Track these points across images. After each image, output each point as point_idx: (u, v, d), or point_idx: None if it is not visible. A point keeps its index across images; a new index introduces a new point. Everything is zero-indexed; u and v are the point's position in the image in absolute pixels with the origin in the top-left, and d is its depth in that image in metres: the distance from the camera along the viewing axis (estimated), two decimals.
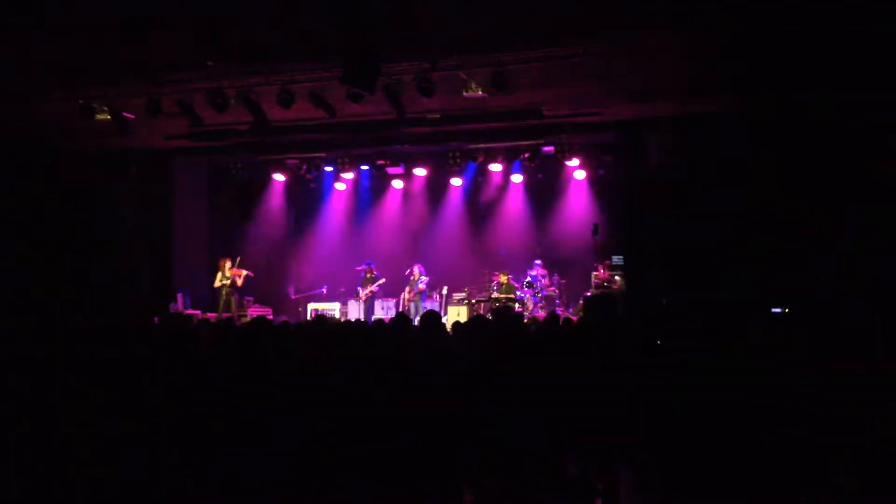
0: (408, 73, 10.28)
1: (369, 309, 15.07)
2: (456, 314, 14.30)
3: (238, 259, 15.36)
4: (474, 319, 7.70)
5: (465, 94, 10.44)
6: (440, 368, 5.76)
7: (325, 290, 15.89)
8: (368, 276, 15.22)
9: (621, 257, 13.76)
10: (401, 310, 14.84)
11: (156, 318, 12.55)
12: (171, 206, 15.60)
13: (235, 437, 5.04)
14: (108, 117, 11.74)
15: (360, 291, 15.22)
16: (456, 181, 15.99)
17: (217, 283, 15.15)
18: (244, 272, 15.15)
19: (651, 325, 8.93)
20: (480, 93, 10.40)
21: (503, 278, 14.48)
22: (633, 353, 6.55)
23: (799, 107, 10.98)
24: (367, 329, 7.31)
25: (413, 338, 6.51)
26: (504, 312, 9.26)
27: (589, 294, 12.85)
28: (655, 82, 10.97)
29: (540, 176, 15.53)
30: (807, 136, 10.74)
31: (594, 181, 15.07)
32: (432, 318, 6.42)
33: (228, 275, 15.06)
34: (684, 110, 11.85)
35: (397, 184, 16.55)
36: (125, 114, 11.83)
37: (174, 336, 6.55)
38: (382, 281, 15.24)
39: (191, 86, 11.04)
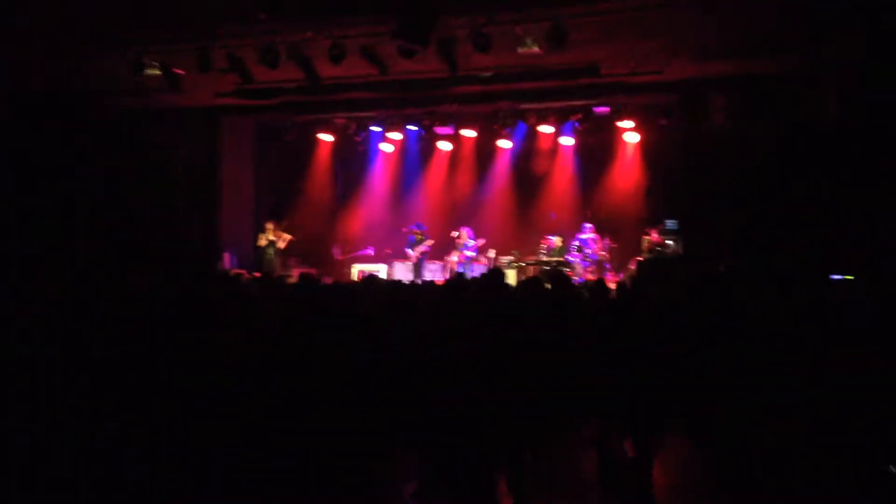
0: (462, 27, 9.98)
1: (419, 270, 14.92)
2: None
3: (283, 222, 15.29)
4: (530, 281, 7.49)
5: (519, 50, 10.12)
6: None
7: (372, 251, 15.76)
8: (418, 237, 15.06)
9: (675, 222, 13.42)
10: (448, 273, 14.68)
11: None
12: (219, 165, 15.50)
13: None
14: (159, 73, 11.64)
15: (410, 253, 15.06)
16: (505, 143, 15.71)
17: (261, 243, 15.09)
18: (287, 236, 15.07)
19: (708, 291, 8.72)
20: (536, 49, 10.07)
21: (558, 241, 14.25)
22: (686, 325, 6.35)
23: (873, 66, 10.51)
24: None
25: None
26: (556, 276, 9.06)
27: (642, 259, 12.57)
28: (719, 39, 10.57)
29: (591, 140, 15.19)
30: (880, 98, 10.29)
31: (647, 144, 14.67)
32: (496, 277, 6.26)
33: (272, 237, 15.01)
34: (748, 70, 11.43)
35: (445, 146, 16.30)
36: (175, 69, 11.72)
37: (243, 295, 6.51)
38: (432, 242, 15.07)
39: (242, 40, 10.85)
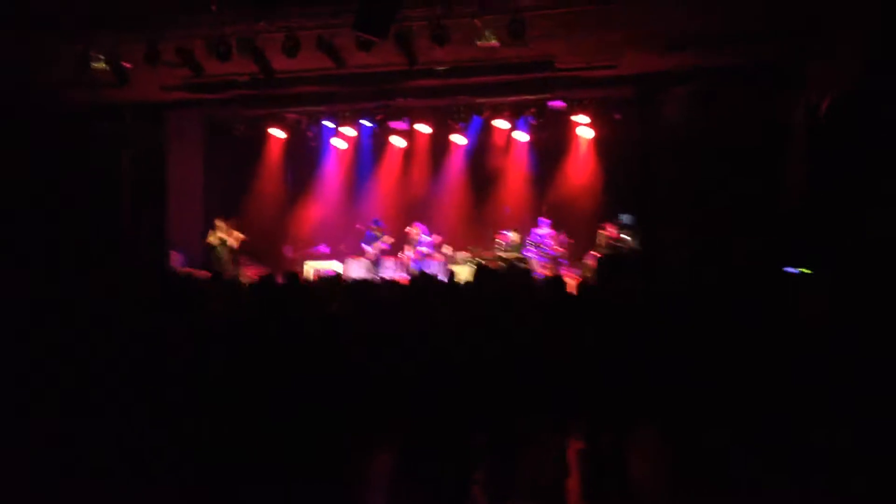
0: (421, 19, 9.85)
1: (377, 267, 14.73)
2: (460, 273, 13.97)
3: (233, 220, 14.97)
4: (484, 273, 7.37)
5: (478, 43, 10.02)
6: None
7: (327, 249, 15.53)
8: (377, 234, 14.86)
9: (630, 216, 13.47)
10: (403, 269, 14.53)
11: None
12: (166, 161, 15.14)
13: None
14: (106, 66, 11.26)
15: (368, 249, 14.85)
16: (460, 138, 15.61)
17: (212, 241, 14.73)
18: (239, 234, 14.75)
19: (666, 286, 8.73)
20: (494, 42, 9.98)
21: (514, 236, 14.21)
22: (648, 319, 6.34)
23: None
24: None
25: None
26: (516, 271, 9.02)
27: (601, 255, 12.56)
28: (676, 32, 10.60)
29: (544, 135, 15.16)
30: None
31: (602, 139, 14.69)
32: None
33: (223, 235, 14.67)
34: (704, 63, 11.48)
35: (398, 141, 16.14)
36: (123, 63, 11.35)
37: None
38: (391, 239, 14.88)
39: (193, 31, 10.55)
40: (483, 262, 13.96)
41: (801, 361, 6.08)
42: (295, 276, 6.92)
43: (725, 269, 10.34)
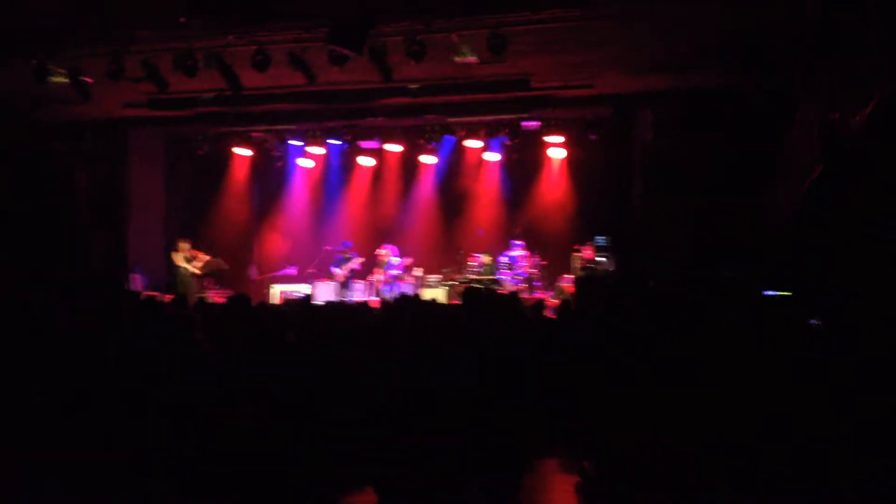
0: (396, 35, 9.56)
1: (347, 290, 14.32)
2: (432, 296, 13.65)
3: (196, 241, 14.50)
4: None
5: (455, 59, 9.75)
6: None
7: (294, 271, 15.09)
8: (346, 256, 14.44)
9: (605, 238, 13.28)
10: (373, 292, 14.17)
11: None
12: (127, 180, 14.66)
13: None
14: (65, 80, 10.79)
15: (337, 272, 14.43)
16: (431, 159, 15.32)
17: (178, 263, 14.21)
18: (204, 256, 14.25)
19: (644, 308, 8.49)
20: (472, 58, 9.73)
21: (486, 258, 13.91)
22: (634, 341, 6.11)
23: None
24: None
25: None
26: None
27: (579, 276, 12.34)
28: (653, 54, 10.47)
29: (516, 156, 14.95)
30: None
31: (576, 160, 14.51)
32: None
33: (188, 255, 14.16)
34: (681, 85, 11.36)
35: (367, 161, 15.81)
36: (84, 77, 10.90)
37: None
38: (362, 260, 14.47)
39: (159, 45, 10.15)
40: (456, 284, 13.70)
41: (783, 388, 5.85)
42: (244, 300, 6.48)
43: (706, 293, 10.14)
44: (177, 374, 4.94)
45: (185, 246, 14.23)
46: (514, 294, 9.73)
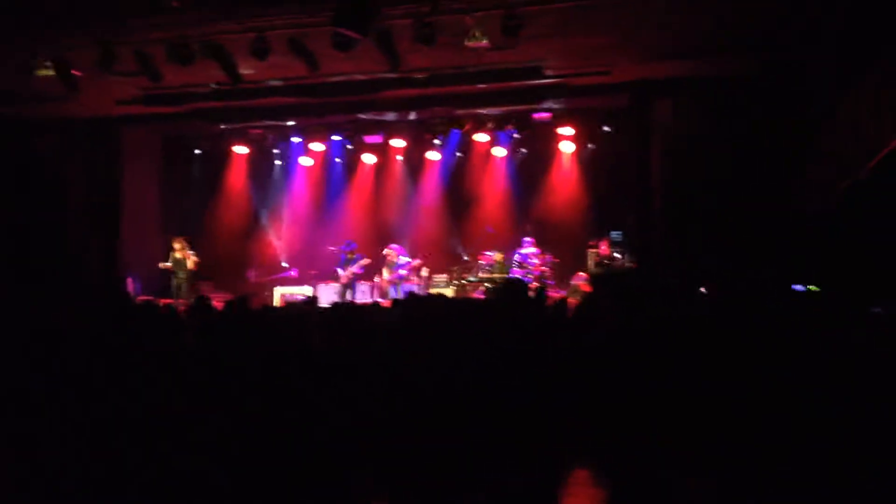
0: (405, 17, 8.99)
1: (352, 292, 13.71)
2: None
3: (189, 240, 13.86)
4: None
5: (467, 43, 9.18)
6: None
7: (295, 273, 14.51)
8: (349, 256, 13.81)
9: (620, 233, 12.72)
10: (378, 293, 13.58)
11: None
12: (120, 181, 14.15)
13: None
14: (53, 73, 10.21)
15: (341, 273, 13.81)
16: (436, 155, 14.74)
17: (168, 265, 13.56)
18: (194, 256, 13.58)
19: (669, 305, 7.94)
20: (485, 42, 9.16)
21: (497, 256, 13.33)
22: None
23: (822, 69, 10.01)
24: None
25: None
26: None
27: (595, 273, 11.78)
28: (672, 38, 9.93)
29: (526, 150, 14.39)
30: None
31: (589, 152, 13.91)
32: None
33: (179, 256, 13.51)
34: (701, 72, 10.82)
35: (370, 158, 15.23)
36: (73, 70, 10.32)
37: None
38: (367, 261, 13.85)
39: (151, 33, 9.57)
40: (466, 283, 13.15)
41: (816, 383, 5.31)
42: (244, 300, 5.92)
43: (734, 288, 9.59)
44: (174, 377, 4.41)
45: (178, 245, 13.53)
46: (540, 291, 9.18)
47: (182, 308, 8.71)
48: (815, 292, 9.35)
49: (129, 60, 10.01)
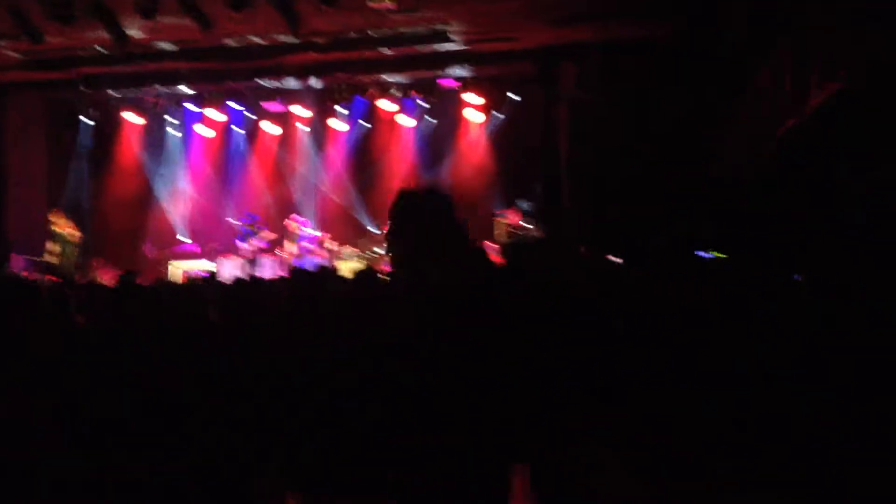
0: None
1: (256, 267, 13.22)
2: (349, 270, 12.73)
3: (65, 213, 13.09)
4: None
5: (370, 3, 8.84)
6: None
7: (196, 247, 13.91)
8: (253, 230, 13.29)
9: (528, 203, 12.59)
10: (283, 268, 13.13)
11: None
12: (3, 153, 13.27)
13: None
14: None
15: (244, 247, 13.29)
16: (342, 125, 14.30)
17: (51, 242, 12.75)
18: (75, 231, 12.80)
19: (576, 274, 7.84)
20: (388, 3, 8.83)
21: None
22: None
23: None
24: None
25: None
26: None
27: (506, 244, 11.61)
28: (577, 2, 9.78)
29: (434, 116, 14.09)
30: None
31: (496, 121, 13.72)
32: None
33: (61, 230, 12.72)
34: (608, 36, 10.69)
35: (272, 128, 14.68)
36: None
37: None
38: (271, 235, 13.36)
39: None
40: (376, 256, 12.84)
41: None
42: (131, 276, 5.47)
43: (639, 255, 9.57)
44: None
45: (60, 220, 12.75)
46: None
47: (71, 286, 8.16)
48: (720, 259, 9.41)
49: (6, 19, 9.32)
